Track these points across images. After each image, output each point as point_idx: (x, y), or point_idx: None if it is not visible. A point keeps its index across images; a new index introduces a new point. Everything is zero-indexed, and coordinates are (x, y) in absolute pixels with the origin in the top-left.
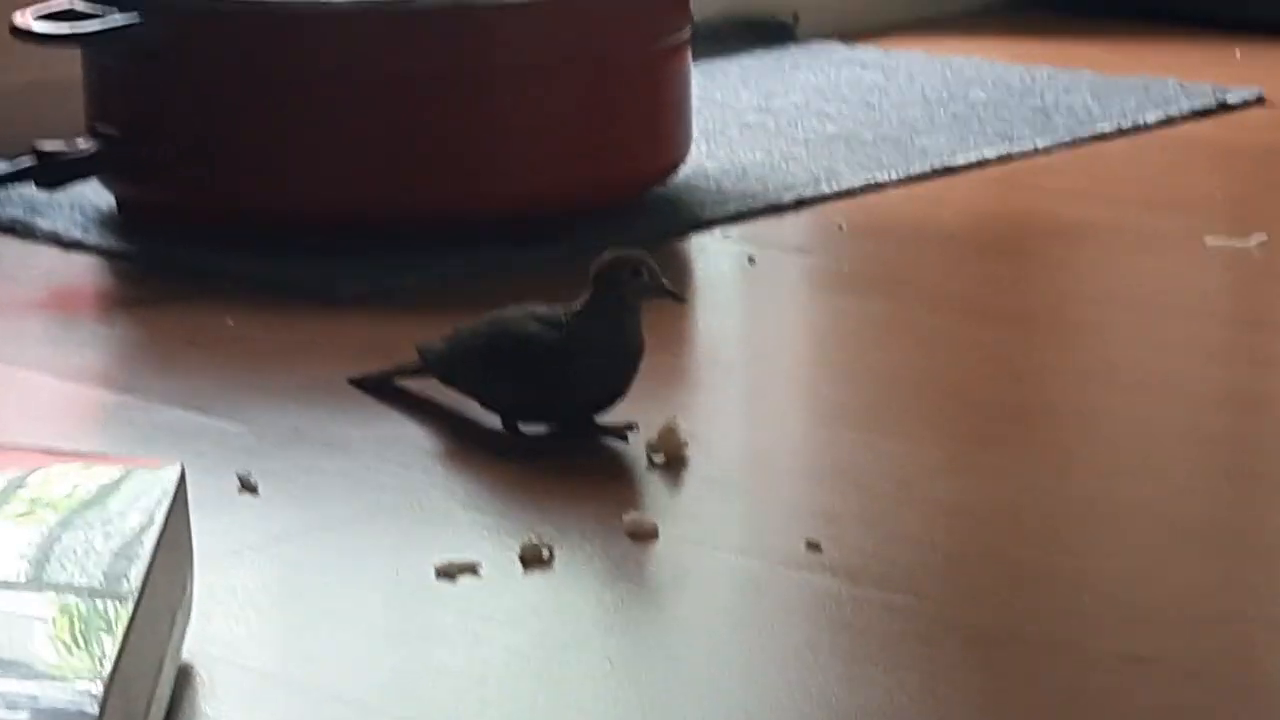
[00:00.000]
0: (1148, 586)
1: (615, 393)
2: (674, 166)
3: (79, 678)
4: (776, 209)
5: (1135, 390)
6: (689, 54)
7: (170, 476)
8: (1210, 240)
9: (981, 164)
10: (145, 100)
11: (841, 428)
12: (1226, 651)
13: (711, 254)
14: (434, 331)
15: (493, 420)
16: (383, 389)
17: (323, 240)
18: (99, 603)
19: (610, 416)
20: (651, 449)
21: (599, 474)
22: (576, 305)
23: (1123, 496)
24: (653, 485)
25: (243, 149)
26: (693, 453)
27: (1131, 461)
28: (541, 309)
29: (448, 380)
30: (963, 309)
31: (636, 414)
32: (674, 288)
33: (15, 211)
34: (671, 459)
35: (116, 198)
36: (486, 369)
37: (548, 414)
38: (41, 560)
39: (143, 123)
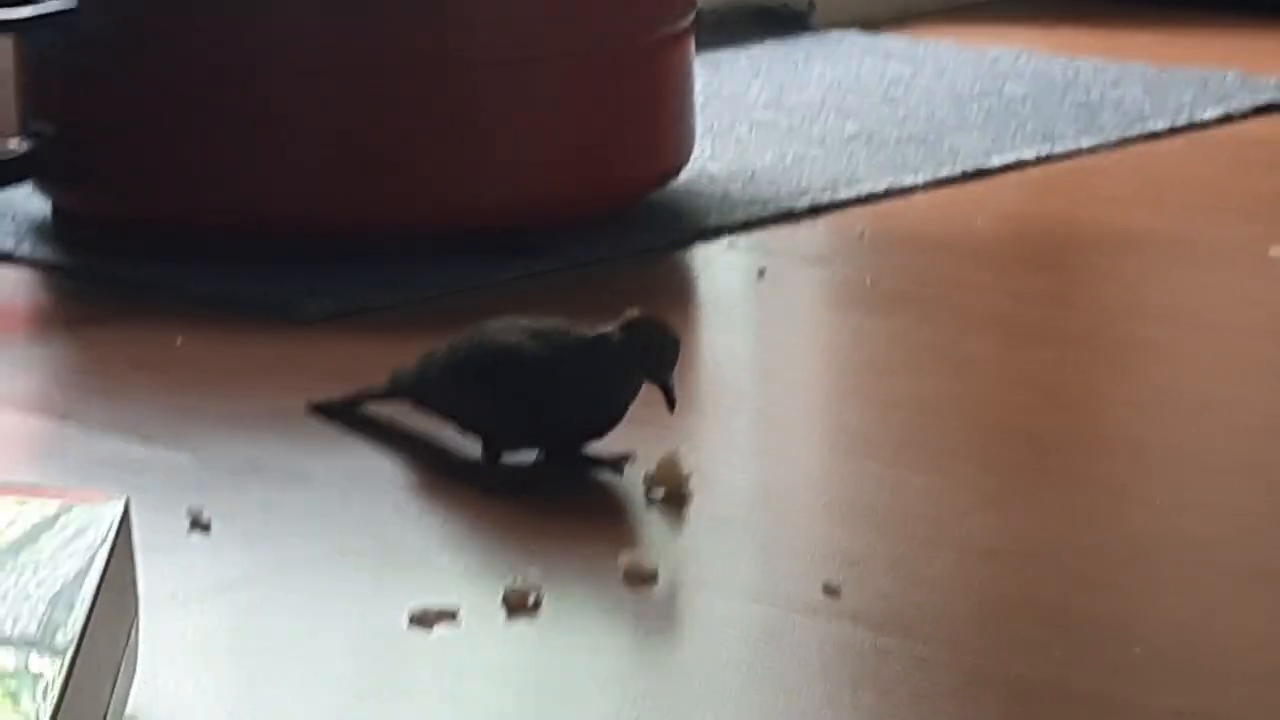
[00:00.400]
0: (1207, 637)
1: (610, 418)
2: (675, 170)
3: None
4: (790, 216)
5: (1193, 418)
6: (691, 44)
7: (112, 513)
8: (1275, 251)
9: (1019, 166)
10: (85, 95)
11: (864, 460)
12: None
13: (718, 266)
14: (407, 355)
15: (472, 449)
16: (347, 416)
17: (283, 253)
18: (31, 656)
19: (604, 446)
20: (650, 483)
21: (591, 510)
22: (587, 329)
23: (1180, 536)
24: (652, 523)
25: (194, 150)
26: (696, 487)
27: (1189, 497)
28: (536, 322)
29: (422, 402)
30: (999, 328)
31: (634, 443)
32: (673, 391)
33: None
34: (672, 494)
35: (53, 204)
36: (465, 386)
37: (533, 440)
38: None
39: (82, 121)
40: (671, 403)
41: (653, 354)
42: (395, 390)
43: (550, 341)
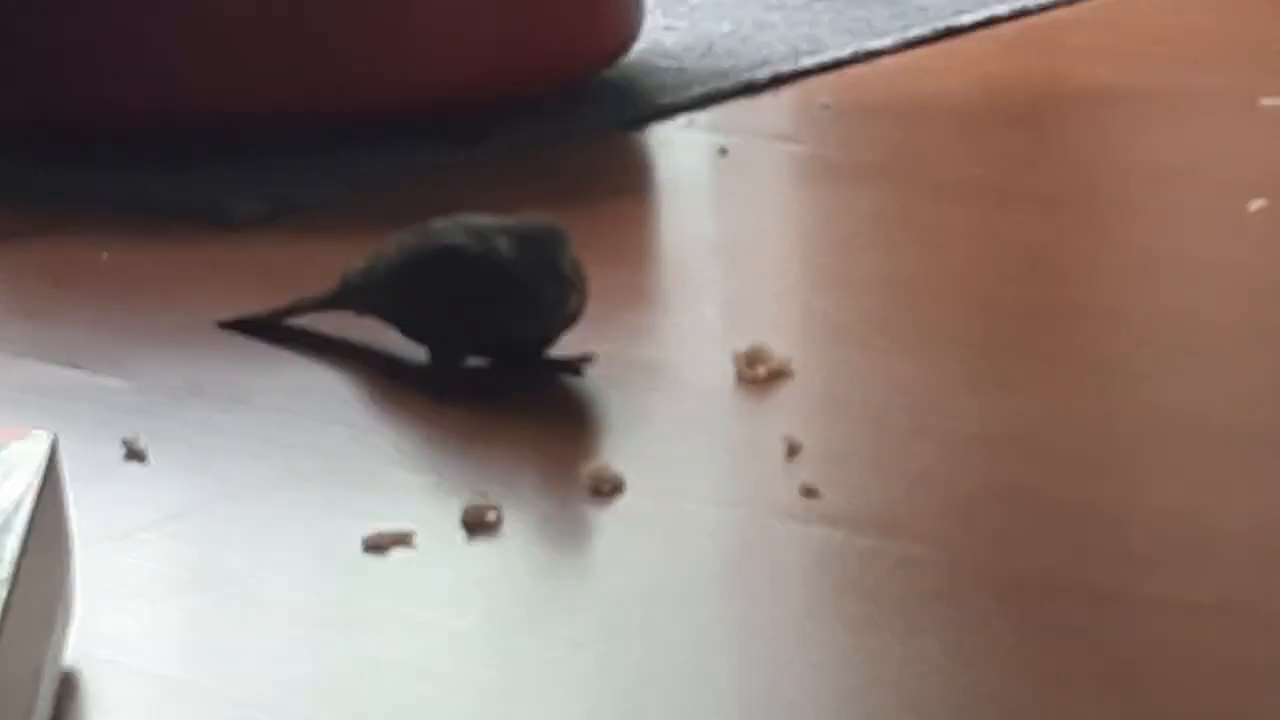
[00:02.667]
0: (1208, 520)
1: (567, 317)
2: (626, 44)
3: None
4: (750, 89)
5: (1184, 283)
6: None
7: (39, 447)
8: (1266, 101)
9: (992, 23)
10: None
11: (837, 346)
12: None
13: (675, 146)
14: (348, 254)
15: (421, 356)
16: (270, 331)
17: (207, 150)
18: None
19: (561, 347)
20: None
21: (551, 418)
22: (528, 219)
23: (1176, 410)
24: (615, 429)
25: (104, 42)
26: (662, 386)
27: (1185, 368)
28: (483, 219)
29: (369, 309)
30: (976, 196)
31: (593, 342)
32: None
33: None
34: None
35: None
36: (410, 290)
37: (486, 345)
38: None
39: None
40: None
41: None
42: (344, 296)
43: (501, 242)
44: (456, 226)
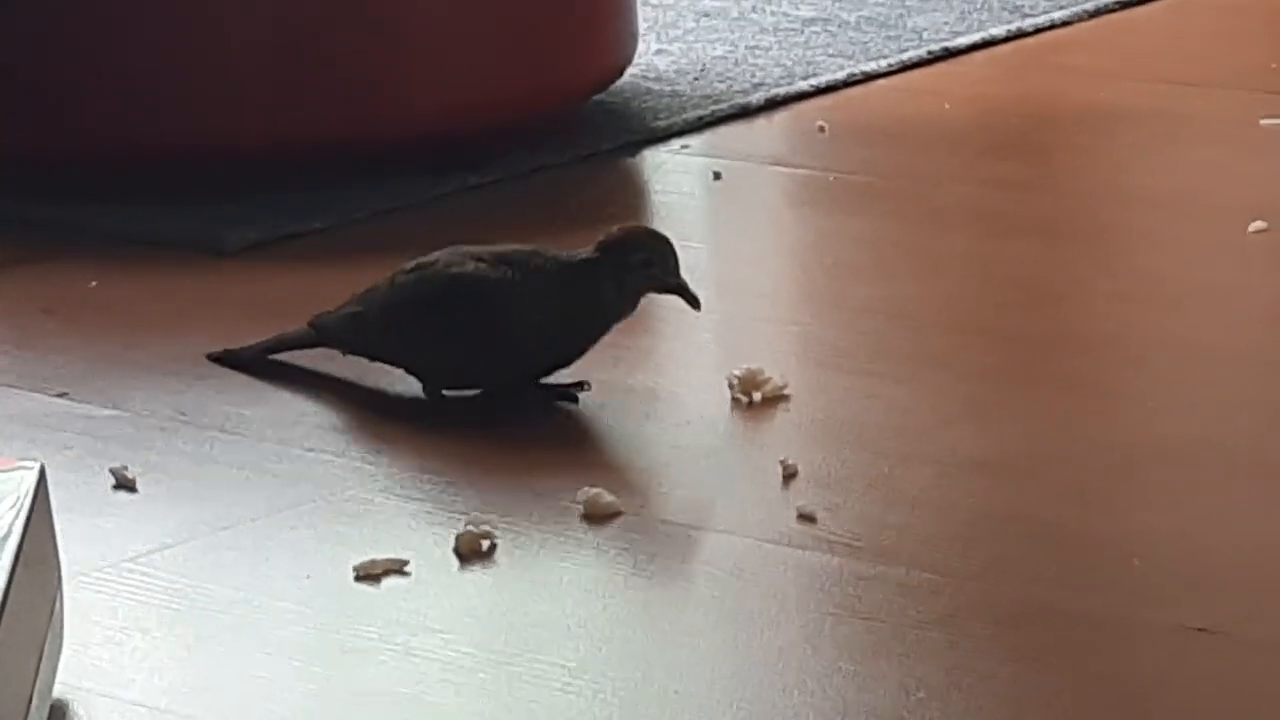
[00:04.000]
0: (1210, 545)
1: (566, 356)
2: (619, 69)
3: None
4: (745, 113)
5: (1183, 309)
6: None
7: (28, 477)
8: (1265, 122)
9: (987, 45)
10: None
11: (834, 373)
12: None
13: (669, 171)
14: (340, 284)
15: (412, 387)
16: (258, 364)
17: (198, 180)
18: None
19: (557, 373)
20: (736, 388)
21: (545, 444)
22: (563, 254)
23: (1176, 437)
24: (610, 456)
25: (96, 76)
26: (657, 412)
27: (1184, 395)
28: (490, 248)
29: (356, 348)
30: (973, 221)
31: (587, 370)
32: (691, 289)
33: None
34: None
35: None
36: (415, 323)
37: (491, 376)
38: None
39: None
40: (695, 302)
41: (650, 268)
42: (319, 338)
43: (520, 267)
44: (462, 255)
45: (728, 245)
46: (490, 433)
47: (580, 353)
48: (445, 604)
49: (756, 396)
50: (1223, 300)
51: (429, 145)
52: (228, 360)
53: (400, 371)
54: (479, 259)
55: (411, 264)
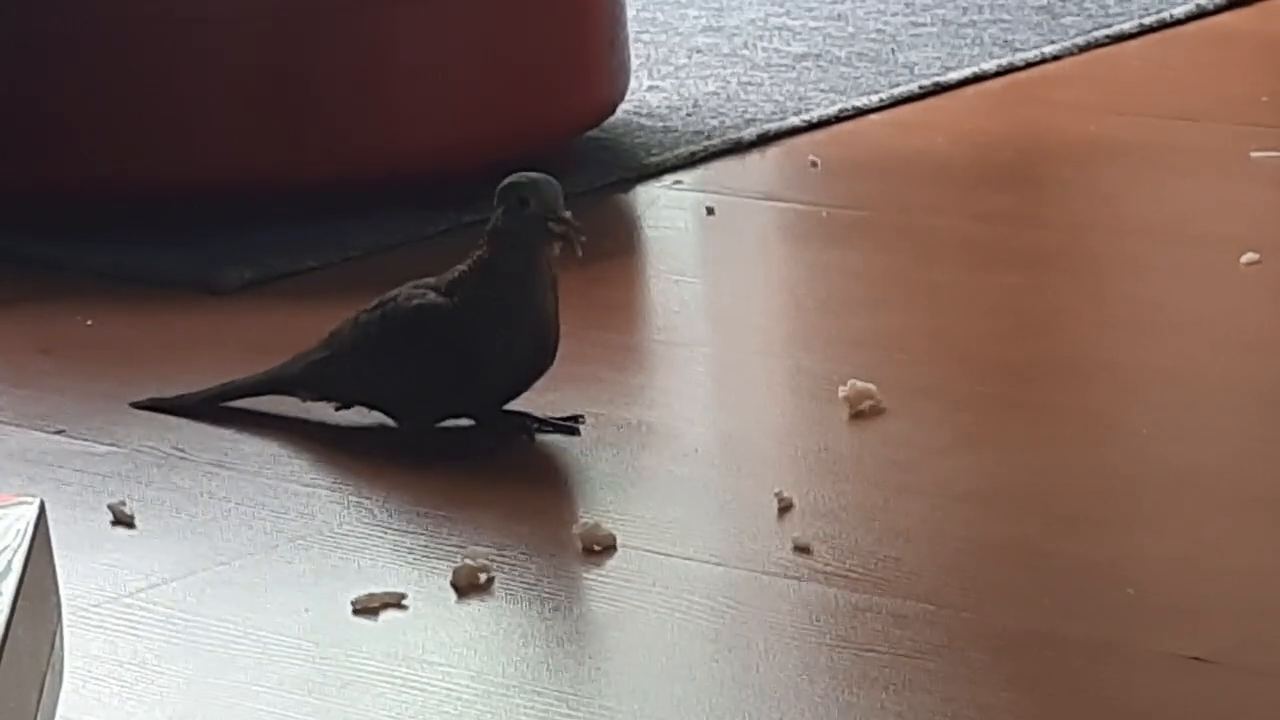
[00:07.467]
0: (1204, 573)
1: (536, 368)
2: (611, 105)
3: None
4: (737, 148)
5: (1175, 338)
6: None
7: (27, 514)
8: (1256, 154)
9: (978, 79)
10: None
11: (828, 406)
12: None
13: (662, 206)
14: (336, 322)
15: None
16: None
17: (193, 219)
18: None
19: (553, 408)
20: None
21: (542, 479)
22: (461, 266)
23: (1169, 466)
24: (605, 487)
25: (89, 111)
26: (652, 446)
27: (1177, 423)
28: (426, 280)
29: (326, 392)
30: (965, 253)
31: (582, 404)
32: (573, 224)
33: None
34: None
35: None
36: (384, 358)
37: (455, 403)
38: None
39: None
40: (573, 235)
41: (525, 207)
42: (282, 387)
43: (449, 295)
44: (419, 288)
45: (721, 279)
46: (486, 466)
47: (553, 349)
48: (443, 636)
49: (865, 406)
50: (1215, 330)
51: (422, 183)
52: (162, 408)
53: (386, 412)
54: (435, 288)
55: (373, 303)
